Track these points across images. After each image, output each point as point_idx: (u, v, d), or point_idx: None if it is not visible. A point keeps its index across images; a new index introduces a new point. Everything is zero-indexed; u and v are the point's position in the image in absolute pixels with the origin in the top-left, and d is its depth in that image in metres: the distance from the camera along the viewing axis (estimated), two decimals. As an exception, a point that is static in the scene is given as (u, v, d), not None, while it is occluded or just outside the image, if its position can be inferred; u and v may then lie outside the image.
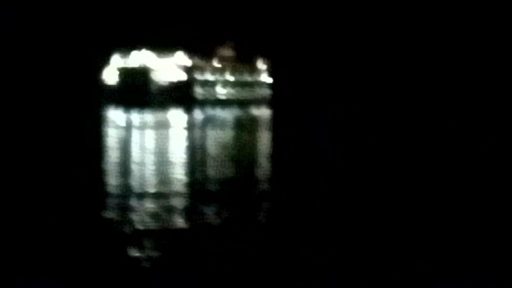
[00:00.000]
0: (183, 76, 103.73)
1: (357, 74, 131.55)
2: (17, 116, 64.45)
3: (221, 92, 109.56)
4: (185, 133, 50.18)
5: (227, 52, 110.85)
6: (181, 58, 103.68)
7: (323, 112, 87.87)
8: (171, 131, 51.59)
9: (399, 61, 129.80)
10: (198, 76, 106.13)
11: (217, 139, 44.64)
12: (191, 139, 45.25)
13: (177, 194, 19.16)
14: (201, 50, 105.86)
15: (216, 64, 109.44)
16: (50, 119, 65.98)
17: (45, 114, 71.85)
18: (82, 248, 11.82)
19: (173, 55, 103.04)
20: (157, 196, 18.73)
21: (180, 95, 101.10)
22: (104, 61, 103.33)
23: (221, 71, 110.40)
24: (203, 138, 47.02)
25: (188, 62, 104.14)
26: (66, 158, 30.00)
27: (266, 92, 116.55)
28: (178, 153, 32.39)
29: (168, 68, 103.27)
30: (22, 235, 13.04)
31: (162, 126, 56.88)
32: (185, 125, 61.17)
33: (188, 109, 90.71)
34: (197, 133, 51.86)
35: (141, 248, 11.89)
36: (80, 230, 13.77)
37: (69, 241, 12.31)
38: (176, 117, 75.05)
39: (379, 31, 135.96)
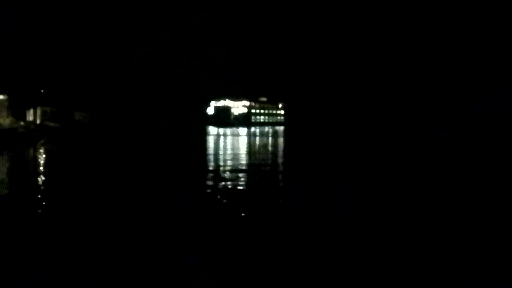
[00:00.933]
0: (245, 110, 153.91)
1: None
2: (167, 131, 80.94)
3: (262, 118, 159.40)
4: (246, 138, 63.55)
5: (264, 99, 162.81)
6: (244, 102, 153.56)
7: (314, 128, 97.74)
8: (239, 138, 65.20)
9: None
10: (252, 111, 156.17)
11: (261, 142, 56.19)
12: (249, 141, 56.47)
13: (242, 168, 24.20)
14: (253, 98, 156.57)
15: (260, 104, 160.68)
16: (181, 130, 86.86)
17: (179, 128, 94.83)
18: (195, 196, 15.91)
19: (241, 100, 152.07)
20: (232, 169, 23.60)
21: (243, 119, 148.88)
22: (207, 103, 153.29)
23: (262, 108, 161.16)
24: (255, 141, 57.97)
25: (247, 104, 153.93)
26: (187, 150, 40.21)
27: (282, 118, 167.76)
28: (242, 148, 41.79)
29: (238, 106, 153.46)
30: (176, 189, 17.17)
31: (235, 135, 74.44)
32: (246, 134, 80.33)
33: (248, 126, 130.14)
34: (252, 138, 64.45)
35: (222, 191, 16.66)
36: (193, 185, 18.56)
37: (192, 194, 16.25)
38: (242, 130, 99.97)
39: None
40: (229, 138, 61.99)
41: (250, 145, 45.67)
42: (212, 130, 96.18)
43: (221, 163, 27.71)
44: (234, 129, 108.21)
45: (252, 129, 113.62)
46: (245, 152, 35.90)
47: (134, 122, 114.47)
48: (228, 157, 31.48)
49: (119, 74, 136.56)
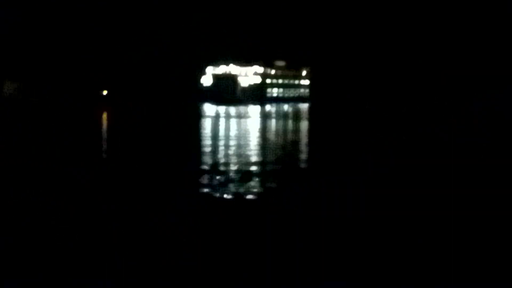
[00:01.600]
0: (257, 80, 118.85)
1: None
2: (149, 111, 70.67)
3: (280, 91, 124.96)
4: (258, 121, 57.81)
5: (282, 63, 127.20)
6: (255, 68, 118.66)
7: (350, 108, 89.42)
8: (248, 120, 58.64)
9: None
10: (267, 81, 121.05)
11: (280, 126, 52.04)
12: (263, 126, 51.78)
13: (244, 164, 23.46)
14: (267, 62, 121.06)
15: (276, 71, 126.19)
16: (166, 110, 75.37)
17: (163, 107, 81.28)
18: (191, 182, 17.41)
19: (250, 66, 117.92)
20: (232, 165, 23.38)
21: (255, 93, 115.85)
22: (203, 69, 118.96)
23: (280, 77, 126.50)
24: (271, 125, 53.61)
25: (260, 71, 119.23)
26: (178, 134, 39.46)
27: (307, 91, 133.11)
28: (252, 137, 38.92)
29: (247, 74, 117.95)
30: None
31: (241, 116, 65.19)
32: (259, 115, 70.19)
33: (261, 103, 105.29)
34: (267, 122, 58.55)
35: (221, 190, 16.52)
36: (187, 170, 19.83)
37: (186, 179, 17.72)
38: (253, 109, 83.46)
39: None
40: (233, 123, 56.66)
41: (264, 137, 40.97)
42: (209, 109, 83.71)
43: (220, 157, 27.40)
44: (242, 107, 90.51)
45: (267, 107, 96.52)
46: (255, 149, 32.27)
47: (93, 94, 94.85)
48: (229, 152, 30.13)
49: (69, 23, 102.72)
